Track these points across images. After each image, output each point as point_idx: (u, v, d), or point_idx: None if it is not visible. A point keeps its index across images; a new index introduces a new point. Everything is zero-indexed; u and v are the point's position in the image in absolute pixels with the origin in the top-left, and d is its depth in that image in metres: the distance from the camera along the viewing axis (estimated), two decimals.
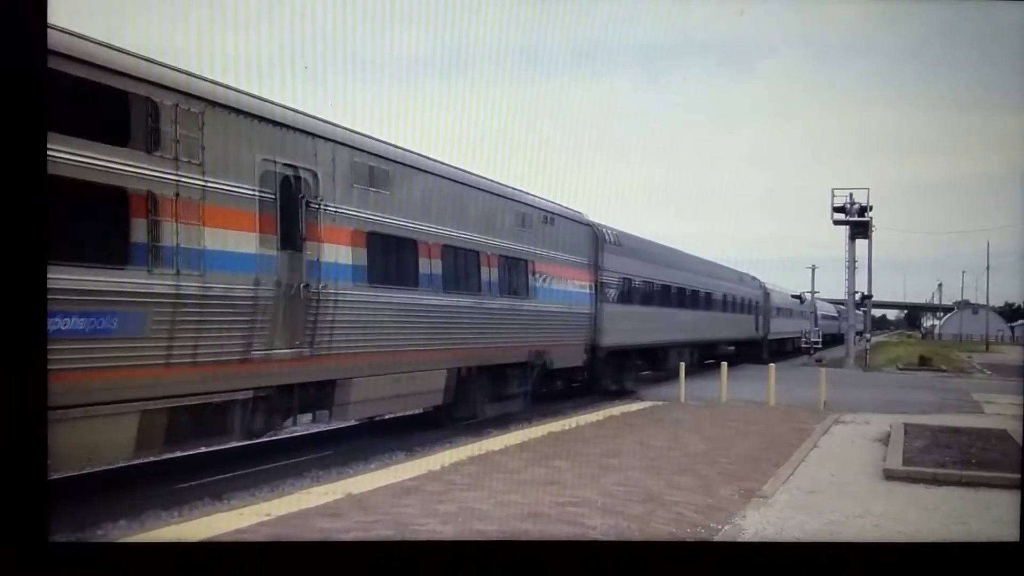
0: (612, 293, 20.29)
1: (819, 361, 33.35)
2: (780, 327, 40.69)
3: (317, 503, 8.23)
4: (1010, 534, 7.47)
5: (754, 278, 35.94)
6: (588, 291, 19.12)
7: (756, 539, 7.60)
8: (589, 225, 19.70)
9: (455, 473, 9.82)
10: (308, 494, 8.71)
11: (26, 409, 5.72)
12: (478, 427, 14.12)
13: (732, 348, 30.97)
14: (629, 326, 20.84)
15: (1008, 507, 8.76)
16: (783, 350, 39.96)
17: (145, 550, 6.95)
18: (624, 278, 21.06)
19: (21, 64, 5.62)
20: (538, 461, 10.66)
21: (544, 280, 16.99)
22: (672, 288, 25.03)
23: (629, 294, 21.45)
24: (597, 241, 19.81)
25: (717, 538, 7.55)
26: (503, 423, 14.56)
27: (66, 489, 8.30)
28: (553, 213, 17.66)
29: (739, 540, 7.56)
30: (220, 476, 9.95)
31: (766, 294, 37.60)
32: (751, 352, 32.67)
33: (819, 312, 50.96)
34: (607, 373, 20.06)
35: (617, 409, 16.80)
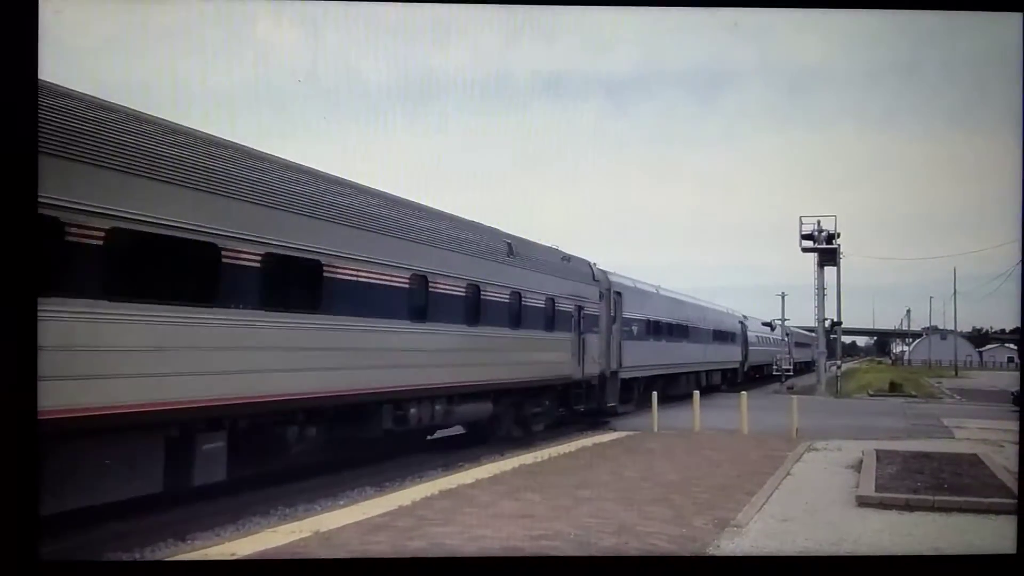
0: None
1: (791, 389, 33.44)
2: (650, 356, 23.85)
3: (284, 542, 8.03)
4: None
5: (567, 258, 19.32)
6: None
7: (743, 553, 7.52)
8: None
9: (426, 508, 9.65)
10: (274, 532, 8.51)
11: (17, 429, 5.65)
12: (449, 461, 13.93)
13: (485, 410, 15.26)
14: None
15: (980, 532, 8.77)
16: (672, 393, 24.02)
17: (135, 569, 6.82)
18: None
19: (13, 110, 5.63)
20: (510, 494, 10.53)
21: None
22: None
23: None
24: None
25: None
26: (474, 456, 14.39)
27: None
28: None
29: (722, 555, 7.48)
30: (182, 514, 9.70)
31: (612, 295, 21.26)
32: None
33: (752, 334, 37.78)
34: None
35: (590, 440, 16.69)
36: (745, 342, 36.82)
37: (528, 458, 13.79)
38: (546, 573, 6.82)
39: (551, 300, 17.94)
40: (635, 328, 23.01)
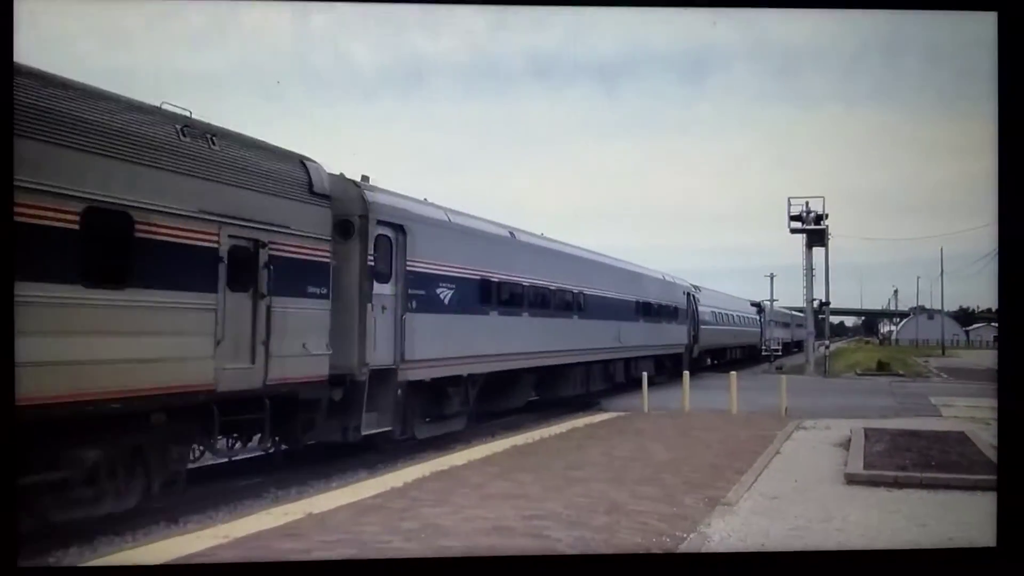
0: None
1: (780, 368, 33.61)
2: (483, 340, 15.07)
3: (277, 523, 8.05)
4: (968, 535, 7.55)
5: (205, 134, 9.30)
6: None
7: (729, 549, 7.57)
8: None
9: (418, 489, 9.69)
10: (267, 514, 8.53)
11: None
12: (443, 442, 13.97)
13: None
14: None
15: (967, 508, 8.88)
16: (564, 395, 19.11)
17: (114, 575, 6.80)
18: None
19: None
20: (503, 475, 10.57)
21: None
22: None
23: None
24: None
25: (682, 548, 7.50)
26: (467, 438, 14.43)
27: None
28: None
29: (709, 551, 7.53)
30: (175, 497, 9.70)
31: (380, 228, 12.31)
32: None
33: (707, 309, 29.55)
34: None
35: (581, 421, 16.77)
36: (695, 320, 28.65)
37: (520, 439, 13.86)
38: (541, 572, 6.83)
39: (121, 216, 8.30)
40: (446, 292, 13.82)
